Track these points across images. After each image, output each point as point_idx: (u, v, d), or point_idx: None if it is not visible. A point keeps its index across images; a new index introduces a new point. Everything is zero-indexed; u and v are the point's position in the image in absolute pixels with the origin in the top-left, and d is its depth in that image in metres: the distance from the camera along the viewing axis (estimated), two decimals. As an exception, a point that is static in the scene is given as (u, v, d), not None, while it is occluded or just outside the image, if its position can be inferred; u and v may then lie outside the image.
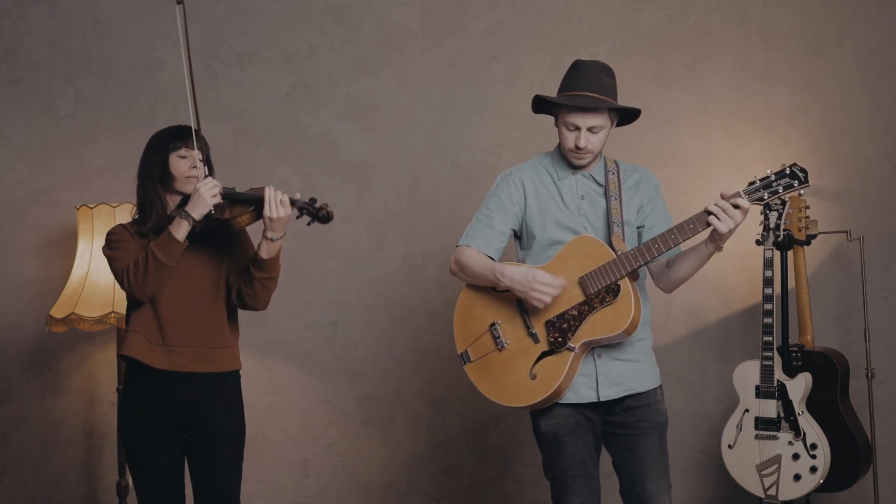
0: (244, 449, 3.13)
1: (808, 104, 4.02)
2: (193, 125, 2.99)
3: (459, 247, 3.01)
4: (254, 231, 3.08)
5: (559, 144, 3.00)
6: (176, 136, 3.03)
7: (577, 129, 2.88)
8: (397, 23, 4.26)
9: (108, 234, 3.05)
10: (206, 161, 3.06)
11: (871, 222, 3.94)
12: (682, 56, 4.10)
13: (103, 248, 3.04)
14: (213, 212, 2.92)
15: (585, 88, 2.88)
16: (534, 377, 2.88)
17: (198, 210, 2.91)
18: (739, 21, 4.07)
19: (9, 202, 4.30)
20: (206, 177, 2.97)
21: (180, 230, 2.91)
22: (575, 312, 2.86)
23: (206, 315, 3.03)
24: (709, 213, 2.75)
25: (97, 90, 4.31)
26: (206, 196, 2.91)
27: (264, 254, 2.98)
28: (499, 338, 2.95)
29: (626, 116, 3.00)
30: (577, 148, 2.90)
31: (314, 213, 2.92)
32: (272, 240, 2.96)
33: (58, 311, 3.85)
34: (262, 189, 2.97)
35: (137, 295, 2.97)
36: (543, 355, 2.89)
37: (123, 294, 3.39)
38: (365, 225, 4.27)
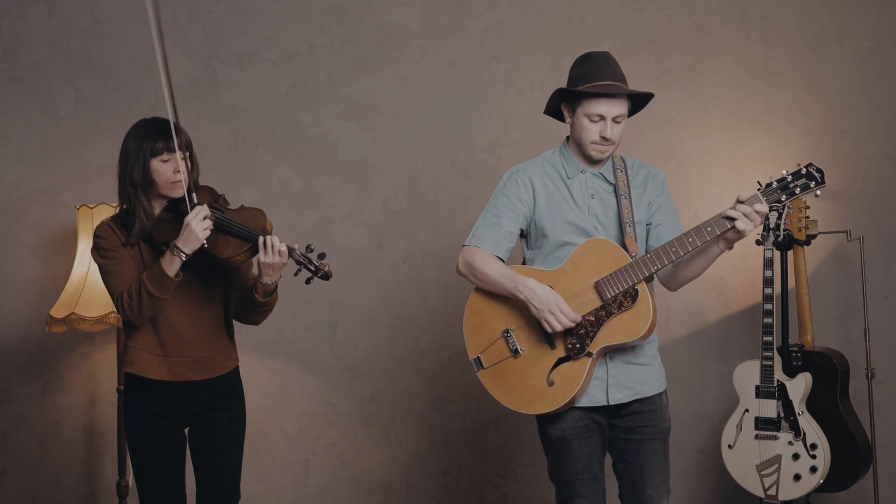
0: (244, 444, 3.13)
1: (808, 104, 4.02)
2: (171, 119, 2.91)
3: (468, 247, 2.94)
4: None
5: (567, 141, 2.97)
6: (155, 137, 2.93)
7: (602, 118, 2.84)
8: (397, 23, 4.25)
9: (96, 235, 2.96)
10: (189, 155, 2.97)
11: (871, 222, 3.94)
12: (682, 56, 4.10)
13: (92, 251, 2.99)
14: (205, 245, 2.86)
15: (606, 77, 2.84)
16: (551, 384, 2.84)
17: (189, 246, 2.85)
18: (739, 21, 4.07)
19: (9, 202, 4.30)
20: (195, 205, 2.87)
21: (172, 266, 2.85)
22: (592, 318, 2.82)
23: (204, 325, 3.02)
24: (730, 218, 2.72)
25: (97, 90, 4.31)
26: (198, 231, 2.83)
27: (260, 296, 2.95)
28: (513, 344, 2.90)
29: (632, 108, 2.97)
30: (604, 139, 2.85)
31: (314, 271, 2.88)
32: (267, 284, 2.92)
33: (58, 311, 3.85)
34: (256, 213, 2.93)
35: (133, 322, 2.94)
36: (560, 361, 2.85)
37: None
38: (365, 225, 4.27)
